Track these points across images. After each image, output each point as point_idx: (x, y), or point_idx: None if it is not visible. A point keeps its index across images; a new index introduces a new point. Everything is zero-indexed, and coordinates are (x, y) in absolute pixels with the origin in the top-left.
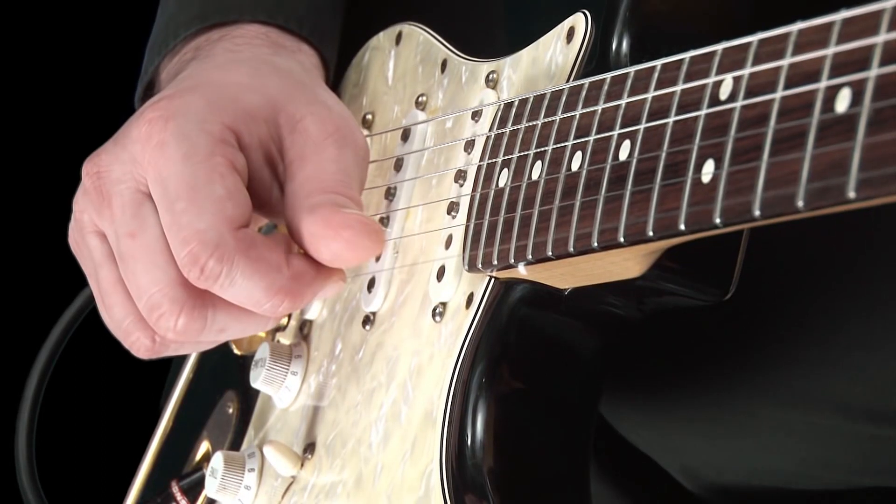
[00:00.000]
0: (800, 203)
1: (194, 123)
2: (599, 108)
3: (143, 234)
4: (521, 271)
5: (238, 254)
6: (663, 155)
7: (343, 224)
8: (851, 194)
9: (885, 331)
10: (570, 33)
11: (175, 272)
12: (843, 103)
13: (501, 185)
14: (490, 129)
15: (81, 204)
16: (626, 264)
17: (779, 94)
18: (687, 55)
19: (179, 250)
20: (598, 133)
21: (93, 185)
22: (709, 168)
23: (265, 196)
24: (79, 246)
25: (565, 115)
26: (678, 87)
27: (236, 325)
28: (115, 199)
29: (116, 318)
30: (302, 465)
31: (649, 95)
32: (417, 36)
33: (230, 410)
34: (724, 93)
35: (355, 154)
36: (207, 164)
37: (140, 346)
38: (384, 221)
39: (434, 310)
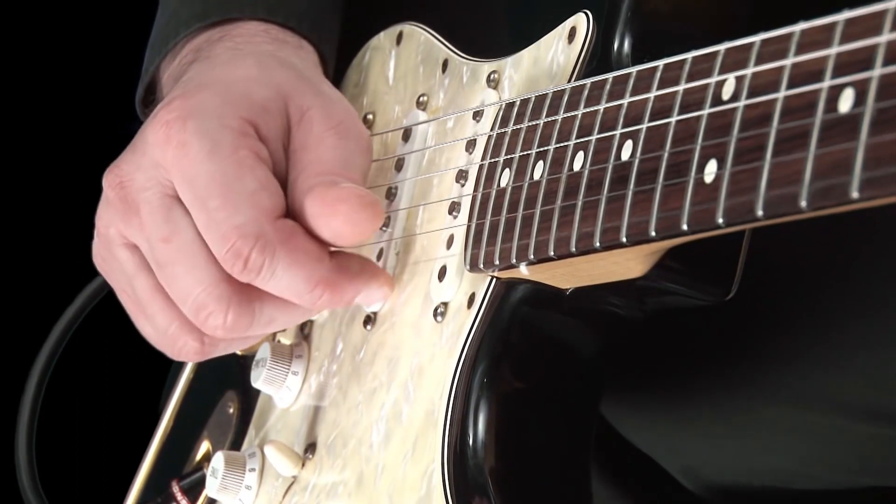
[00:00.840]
0: (803, 203)
1: (213, 119)
2: (601, 107)
3: (177, 237)
4: (523, 271)
5: (279, 244)
6: (666, 155)
7: (338, 198)
8: (855, 194)
9: (885, 330)
10: (572, 33)
11: (217, 270)
12: (846, 103)
13: (503, 184)
14: (492, 129)
15: (106, 218)
16: (627, 264)
17: (781, 93)
18: (689, 55)
19: (220, 247)
20: (600, 133)
21: (117, 196)
22: (711, 168)
23: (284, 188)
24: (106, 262)
25: (567, 115)
26: (680, 87)
27: (283, 315)
28: (143, 206)
29: (161, 326)
30: (303, 464)
31: (651, 95)
32: (418, 36)
33: (231, 410)
34: (726, 93)
35: (357, 145)
36: (234, 159)
37: (189, 350)
38: (385, 221)
39: (435, 310)
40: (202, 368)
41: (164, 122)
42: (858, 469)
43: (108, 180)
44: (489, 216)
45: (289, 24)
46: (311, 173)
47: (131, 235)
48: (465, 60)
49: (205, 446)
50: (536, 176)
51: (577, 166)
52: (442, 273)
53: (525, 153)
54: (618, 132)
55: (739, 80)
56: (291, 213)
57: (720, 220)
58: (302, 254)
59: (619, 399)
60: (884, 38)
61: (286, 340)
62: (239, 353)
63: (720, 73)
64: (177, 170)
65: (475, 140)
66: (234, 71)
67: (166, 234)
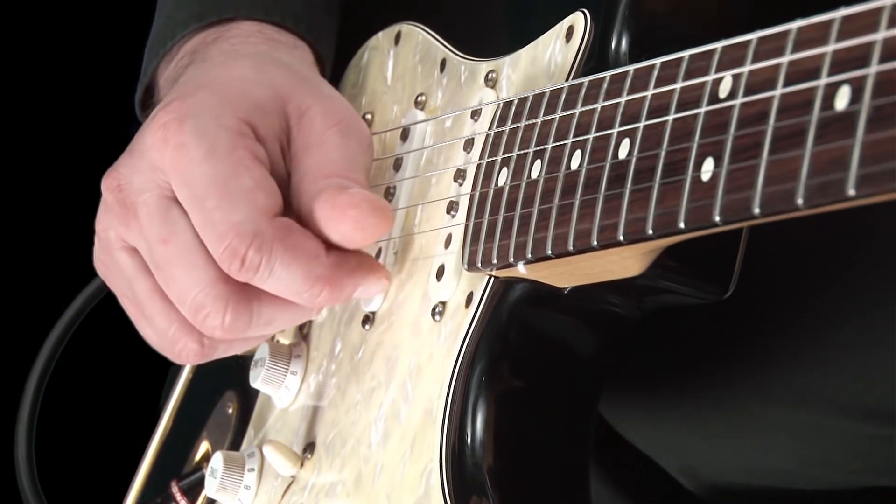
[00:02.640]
0: (799, 201)
1: (210, 120)
2: (599, 106)
3: (175, 238)
4: (521, 270)
5: (276, 242)
6: (663, 153)
7: (348, 203)
8: (851, 192)
9: (884, 330)
10: (570, 32)
11: (214, 270)
12: (842, 101)
13: (501, 183)
14: (489, 128)
15: (105, 222)
16: (625, 263)
17: (778, 91)
18: (686, 53)
19: (217, 246)
20: (597, 131)
21: (115, 199)
22: (708, 166)
23: (283, 188)
24: (107, 266)
25: (565, 114)
26: (677, 85)
27: (281, 315)
28: (141, 208)
29: (160, 329)
30: (301, 464)
31: (649, 94)
32: (416, 35)
33: (230, 410)
34: (723, 90)
35: (359, 143)
36: (231, 159)
37: (189, 352)
38: None
39: (433, 309)
40: (201, 369)
41: (161, 124)
42: (858, 469)
43: (107, 184)
44: (487, 215)
45: (285, 24)
46: (319, 175)
47: (130, 238)
48: (463, 60)
49: (204, 446)
50: (534, 175)
51: (574, 165)
52: (440, 272)
53: (522, 152)
54: (615, 130)
55: (736, 77)
56: (298, 214)
57: (717, 218)
58: (300, 251)
59: (618, 398)
60: (880, 35)
61: (285, 340)
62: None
63: (717, 70)
64: (175, 171)
65: (473, 139)
66: (231, 71)
67: (164, 236)
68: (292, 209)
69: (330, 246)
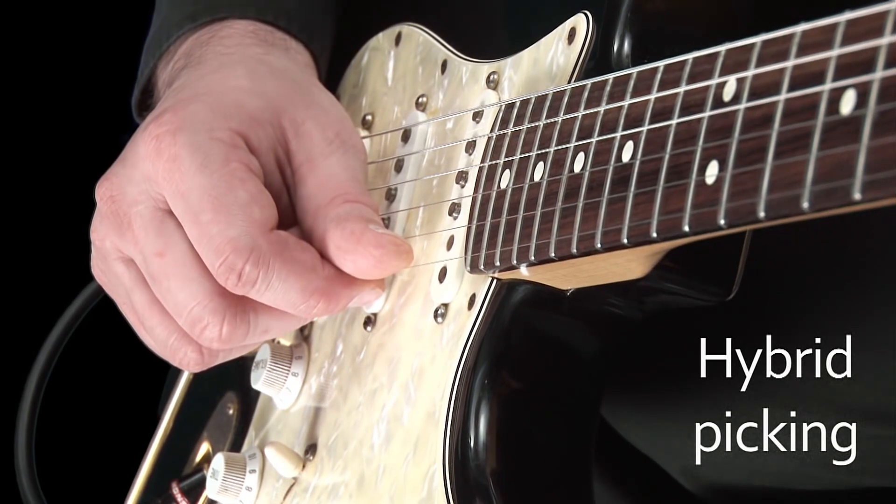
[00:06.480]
0: (805, 205)
1: (203, 133)
2: (602, 109)
3: (171, 252)
4: (524, 272)
5: (273, 256)
6: (667, 156)
7: (374, 243)
8: (857, 196)
9: (886, 331)
10: (572, 34)
11: (210, 283)
12: (847, 105)
13: (503, 186)
14: (491, 130)
15: (101, 231)
16: (628, 265)
17: (783, 95)
18: (690, 56)
19: (214, 260)
20: (600, 134)
21: (109, 210)
22: (713, 170)
23: (277, 198)
24: (105, 275)
25: (567, 116)
26: (681, 89)
27: (278, 323)
28: (136, 220)
29: (160, 339)
30: (303, 466)
31: (652, 96)
32: (417, 36)
33: (230, 411)
34: (727, 94)
35: (356, 156)
36: (225, 172)
37: (189, 361)
38: (385, 223)
39: (436, 311)
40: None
41: (154, 135)
42: (858, 469)
43: (100, 193)
44: (489, 218)
45: (278, 24)
46: (334, 195)
47: (126, 249)
48: (464, 61)
49: (205, 447)
50: (537, 177)
51: (577, 168)
52: (442, 274)
53: (525, 155)
54: (618, 134)
55: (741, 81)
56: (301, 226)
57: (722, 222)
58: (297, 265)
59: (620, 400)
60: (885, 40)
61: (286, 342)
62: None
63: (721, 74)
64: (168, 183)
65: (475, 141)
66: (226, 81)
67: (160, 249)
68: (294, 220)
69: (325, 255)
